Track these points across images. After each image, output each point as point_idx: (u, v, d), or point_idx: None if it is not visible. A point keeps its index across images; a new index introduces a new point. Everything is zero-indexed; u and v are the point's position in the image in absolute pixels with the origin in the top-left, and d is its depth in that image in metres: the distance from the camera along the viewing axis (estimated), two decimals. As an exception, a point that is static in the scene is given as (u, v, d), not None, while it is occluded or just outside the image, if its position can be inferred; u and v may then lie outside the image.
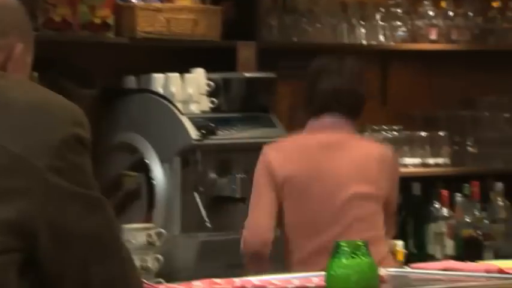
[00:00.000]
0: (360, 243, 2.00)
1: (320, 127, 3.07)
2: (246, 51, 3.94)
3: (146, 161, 3.63)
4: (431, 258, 4.22)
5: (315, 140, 3.06)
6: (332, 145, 3.06)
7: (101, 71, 3.78)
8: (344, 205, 3.03)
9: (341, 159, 3.05)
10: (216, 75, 3.79)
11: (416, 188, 4.35)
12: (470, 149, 4.56)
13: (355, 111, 3.12)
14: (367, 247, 2.01)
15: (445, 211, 4.25)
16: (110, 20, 3.77)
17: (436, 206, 4.35)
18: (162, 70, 3.77)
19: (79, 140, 1.55)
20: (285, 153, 3.06)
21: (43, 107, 1.55)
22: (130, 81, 3.81)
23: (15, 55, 1.62)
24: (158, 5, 3.84)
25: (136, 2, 3.83)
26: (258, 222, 3.03)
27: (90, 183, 1.56)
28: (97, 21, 3.75)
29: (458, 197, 4.35)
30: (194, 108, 3.72)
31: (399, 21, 4.42)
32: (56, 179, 1.51)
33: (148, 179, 3.62)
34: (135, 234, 3.25)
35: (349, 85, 3.12)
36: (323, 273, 2.07)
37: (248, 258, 3.05)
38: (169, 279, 2.80)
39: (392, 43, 4.40)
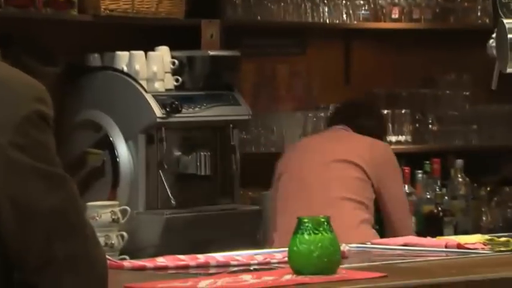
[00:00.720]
0: (322, 219, 2.03)
1: None
2: (210, 29, 3.94)
3: (110, 138, 3.64)
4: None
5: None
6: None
7: (65, 48, 3.77)
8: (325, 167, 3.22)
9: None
10: (180, 53, 3.79)
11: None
12: (431, 126, 4.62)
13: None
14: (329, 223, 2.04)
15: (406, 188, 4.30)
16: (74, -2, 3.75)
17: (398, 183, 4.40)
18: (127, 48, 3.76)
19: (41, 117, 1.55)
20: None
21: (5, 83, 1.55)
22: (94, 59, 3.80)
23: None
24: (122, -18, 3.83)
25: (100, -21, 3.82)
26: None
27: (53, 160, 1.56)
28: (60, -2, 3.73)
29: (419, 174, 4.40)
30: (158, 86, 3.73)
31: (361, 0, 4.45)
32: (18, 155, 1.51)
33: (113, 157, 3.63)
34: (100, 211, 3.25)
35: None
36: (286, 249, 2.10)
37: None
38: (134, 256, 2.82)
39: (354, 22, 4.42)
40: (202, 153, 3.62)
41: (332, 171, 3.38)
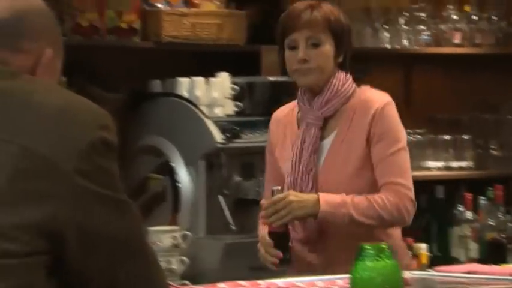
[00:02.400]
0: (384, 245, 2.02)
1: None
2: (270, 55, 3.96)
3: (171, 164, 3.66)
4: (455, 261, 4.22)
5: None
6: None
7: (127, 75, 3.81)
8: None
9: None
10: (241, 79, 3.81)
11: (440, 191, 4.35)
12: (493, 152, 4.56)
13: None
14: (391, 250, 2.03)
15: (468, 214, 4.25)
16: (136, 25, 3.81)
17: (460, 209, 4.35)
18: (188, 74, 3.80)
19: (106, 144, 1.56)
20: None
21: (70, 110, 1.57)
22: (156, 85, 3.84)
23: (45, 60, 1.64)
24: (184, 9, 3.87)
25: (162, 7, 3.87)
26: None
27: (117, 186, 1.57)
28: (123, 26, 3.78)
29: (482, 200, 4.35)
30: (219, 111, 3.75)
31: (423, 25, 4.43)
32: (83, 182, 1.52)
33: (174, 182, 3.65)
34: (161, 236, 3.28)
35: None
36: (347, 275, 2.09)
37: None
38: (195, 281, 2.83)
39: (416, 47, 4.40)
40: (261, 179, 3.62)
41: None
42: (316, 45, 2.69)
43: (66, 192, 1.52)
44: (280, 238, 2.59)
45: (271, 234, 2.61)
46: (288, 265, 2.63)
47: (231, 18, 3.93)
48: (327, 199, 2.58)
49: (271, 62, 3.96)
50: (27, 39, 1.63)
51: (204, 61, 3.92)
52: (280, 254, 2.58)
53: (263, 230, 2.67)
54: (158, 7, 3.86)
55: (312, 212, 2.58)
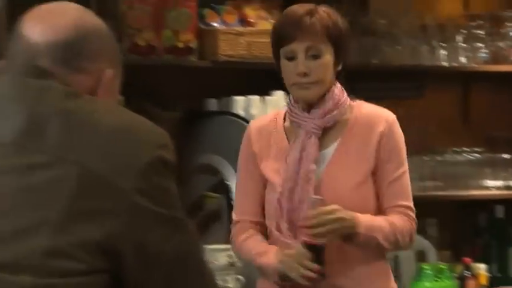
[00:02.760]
0: (442, 266, 2.00)
1: None
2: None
3: (227, 182, 3.67)
4: (514, 282, 4.15)
5: None
6: None
7: (184, 93, 3.83)
8: None
9: None
10: (297, 98, 3.80)
11: (500, 211, 4.29)
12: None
13: None
14: (451, 270, 2.00)
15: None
16: (193, 44, 3.83)
17: (520, 229, 4.29)
18: (243, 93, 3.80)
19: (164, 163, 1.57)
20: None
21: (129, 130, 1.58)
22: (212, 104, 3.85)
23: (105, 80, 1.65)
24: (239, 28, 3.89)
25: (218, 26, 3.89)
26: None
27: (175, 204, 1.57)
28: (180, 45, 3.81)
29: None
30: (275, 130, 3.75)
31: (480, 42, 4.38)
32: (141, 201, 1.53)
33: (229, 201, 3.65)
34: (217, 255, 3.28)
35: None
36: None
37: None
38: (251, 300, 2.82)
39: (473, 65, 4.36)
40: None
41: None
42: (316, 57, 2.52)
43: (125, 211, 1.53)
44: (318, 251, 2.42)
45: (307, 246, 2.43)
46: (323, 280, 2.45)
47: (287, 36, 3.93)
48: (364, 221, 2.46)
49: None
50: (87, 60, 1.65)
51: (259, 79, 3.93)
52: (318, 268, 2.42)
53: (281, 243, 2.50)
54: (214, 26, 3.88)
55: (350, 231, 2.45)
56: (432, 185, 4.22)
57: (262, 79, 3.94)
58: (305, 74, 2.52)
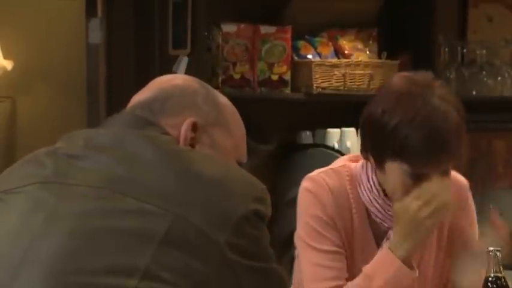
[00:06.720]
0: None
1: None
2: (422, 105, 3.88)
3: (321, 216, 3.62)
4: None
5: None
6: None
7: (277, 126, 3.82)
8: None
9: None
10: (392, 130, 3.74)
11: None
12: None
13: None
14: None
15: None
16: (287, 76, 3.81)
17: None
18: (338, 125, 3.76)
19: (258, 216, 1.55)
20: None
21: (226, 182, 1.56)
22: (307, 137, 3.82)
23: (183, 131, 1.65)
24: (334, 60, 3.86)
25: (312, 58, 3.86)
26: None
27: (266, 255, 1.56)
28: (274, 77, 3.80)
29: None
30: (370, 162, 3.69)
31: None
32: (233, 256, 1.52)
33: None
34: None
35: None
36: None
37: None
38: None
39: None
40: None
41: None
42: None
43: (215, 263, 1.51)
44: None
45: None
46: None
47: (383, 68, 3.88)
48: None
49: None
50: (169, 116, 1.66)
51: (354, 111, 3.88)
52: None
53: None
54: (309, 58, 3.86)
55: None
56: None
57: (357, 111, 3.89)
58: None
